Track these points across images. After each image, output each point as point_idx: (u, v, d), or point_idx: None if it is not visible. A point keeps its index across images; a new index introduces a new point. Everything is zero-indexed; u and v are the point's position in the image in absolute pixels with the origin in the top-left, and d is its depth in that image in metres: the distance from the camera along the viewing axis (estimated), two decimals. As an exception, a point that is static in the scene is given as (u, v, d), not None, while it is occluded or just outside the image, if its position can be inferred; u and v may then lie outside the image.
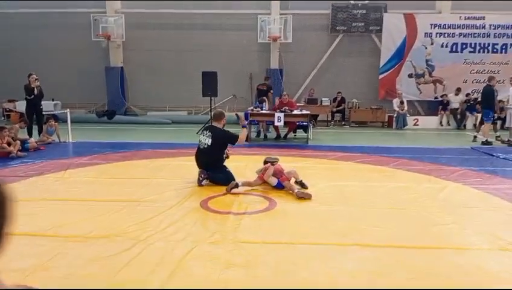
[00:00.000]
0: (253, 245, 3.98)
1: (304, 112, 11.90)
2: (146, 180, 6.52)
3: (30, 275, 3.32)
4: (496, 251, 3.93)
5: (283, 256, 3.74)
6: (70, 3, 16.88)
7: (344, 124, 16.45)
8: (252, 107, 12.45)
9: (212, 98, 12.96)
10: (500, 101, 12.59)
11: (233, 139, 6.46)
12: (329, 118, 16.51)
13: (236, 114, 13.82)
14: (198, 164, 6.45)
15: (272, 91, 14.58)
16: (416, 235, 4.30)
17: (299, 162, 7.99)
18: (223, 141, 6.40)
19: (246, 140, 11.30)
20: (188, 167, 7.53)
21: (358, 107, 16.42)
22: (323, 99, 16.14)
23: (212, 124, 6.82)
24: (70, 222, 4.56)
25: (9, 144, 8.50)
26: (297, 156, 8.65)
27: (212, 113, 6.73)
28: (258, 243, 4.04)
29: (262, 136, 12.19)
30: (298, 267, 3.52)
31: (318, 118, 16.08)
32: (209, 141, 6.30)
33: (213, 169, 6.30)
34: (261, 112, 11.78)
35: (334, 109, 16.52)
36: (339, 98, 16.50)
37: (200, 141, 6.49)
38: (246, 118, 11.80)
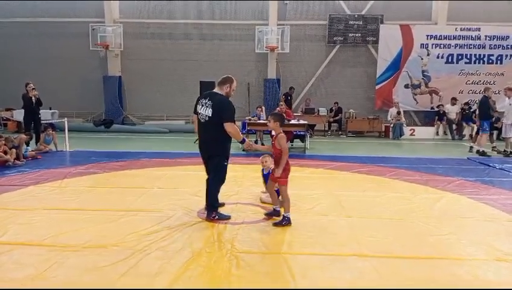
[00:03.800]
0: (251, 255, 3.98)
1: (301, 121, 11.94)
2: (143, 189, 6.51)
3: (27, 285, 3.31)
4: (493, 262, 3.95)
5: (281, 266, 3.74)
6: (69, 13, 16.99)
7: (341, 134, 16.51)
8: (249, 117, 12.49)
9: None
10: (496, 111, 12.65)
11: (227, 115, 4.91)
12: (326, 128, 16.55)
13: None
14: (199, 145, 5.33)
15: (289, 98, 16.20)
16: (413, 245, 4.31)
17: (296, 172, 7.98)
18: (219, 111, 4.91)
19: (244, 149, 11.37)
20: (186, 176, 7.56)
21: (355, 117, 16.49)
22: (320, 109, 16.22)
23: (214, 90, 5.16)
24: (68, 231, 4.54)
25: (5, 153, 8.48)
26: (295, 166, 8.59)
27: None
28: (255, 253, 4.04)
29: (259, 145, 12.18)
30: (296, 277, 3.52)
31: (315, 128, 16.11)
32: (209, 112, 4.94)
33: (211, 155, 5.14)
34: (258, 121, 11.81)
35: (331, 119, 16.58)
36: (335, 108, 16.58)
37: (199, 114, 5.07)
38: (244, 127, 11.86)
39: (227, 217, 5.09)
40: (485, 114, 11.26)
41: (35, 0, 16.97)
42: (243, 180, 7.04)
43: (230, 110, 4.96)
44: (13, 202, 5.77)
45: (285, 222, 4.86)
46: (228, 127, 4.88)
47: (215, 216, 5.05)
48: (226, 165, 5.13)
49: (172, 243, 4.25)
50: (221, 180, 5.13)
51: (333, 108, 16.61)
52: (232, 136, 4.98)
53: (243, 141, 5.11)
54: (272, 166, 5.32)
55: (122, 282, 3.38)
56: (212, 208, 5.09)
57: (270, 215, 5.17)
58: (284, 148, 4.89)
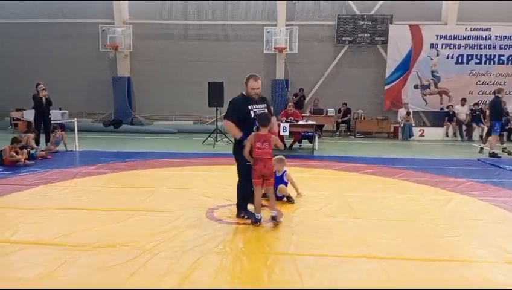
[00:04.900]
0: (259, 255, 3.99)
1: (310, 122, 11.92)
2: (152, 189, 6.54)
3: (37, 284, 3.35)
4: (503, 264, 3.91)
5: (289, 267, 3.74)
6: (79, 14, 17.11)
7: (349, 135, 16.45)
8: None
9: (218, 107, 13.05)
10: (506, 112, 12.51)
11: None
12: (335, 129, 16.50)
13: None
14: None
15: (294, 98, 16.33)
16: (423, 247, 4.28)
17: (305, 173, 8.00)
18: None
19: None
20: (195, 176, 7.59)
21: (364, 118, 16.41)
22: (328, 109, 16.18)
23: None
24: (77, 230, 4.58)
25: (16, 153, 8.58)
26: (303, 167, 8.65)
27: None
28: (264, 254, 4.04)
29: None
30: (304, 278, 3.52)
31: (323, 129, 16.07)
32: None
33: (236, 153, 5.17)
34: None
35: (340, 120, 16.53)
36: (344, 109, 16.51)
37: None
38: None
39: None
40: (496, 115, 11.14)
41: (45, 0, 17.12)
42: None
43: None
44: (24, 201, 5.83)
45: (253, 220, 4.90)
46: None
47: (244, 215, 5.12)
48: (248, 165, 4.96)
49: (181, 243, 4.27)
50: (243, 180, 5.09)
51: (341, 109, 16.55)
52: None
53: (241, 139, 4.94)
54: (281, 168, 5.44)
55: (131, 281, 3.40)
56: (239, 207, 5.19)
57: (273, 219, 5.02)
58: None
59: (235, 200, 5.33)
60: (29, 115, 13.71)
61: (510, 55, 16.18)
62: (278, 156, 5.77)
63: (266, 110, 5.04)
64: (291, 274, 3.60)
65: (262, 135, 4.83)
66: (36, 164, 8.71)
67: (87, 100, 17.57)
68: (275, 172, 5.58)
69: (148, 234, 4.47)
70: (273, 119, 5.17)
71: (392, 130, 16.23)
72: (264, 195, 5.15)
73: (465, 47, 16.28)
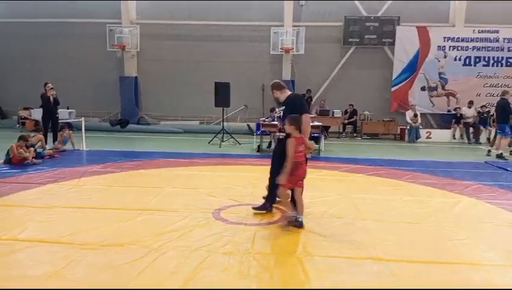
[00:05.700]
0: (266, 256, 3.99)
1: (316, 123, 11.89)
2: (159, 189, 6.56)
3: (45, 282, 3.37)
4: (510, 267, 3.90)
5: (296, 268, 3.74)
6: (87, 14, 17.21)
7: (356, 136, 16.40)
8: (264, 118, 12.50)
9: (225, 108, 13.08)
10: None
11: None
12: (341, 130, 16.47)
13: (248, 125, 14.00)
14: None
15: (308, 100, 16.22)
16: (430, 249, 4.27)
17: (311, 174, 7.91)
18: None
19: (258, 150, 11.40)
20: (201, 176, 7.60)
21: (370, 119, 16.36)
22: (335, 110, 16.14)
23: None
24: (85, 229, 4.61)
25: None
26: (309, 168, 8.54)
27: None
28: (270, 255, 4.04)
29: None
30: (311, 279, 3.52)
31: (329, 130, 16.06)
32: None
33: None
34: (273, 122, 11.79)
35: (346, 121, 16.49)
36: (350, 110, 16.47)
37: None
38: (258, 128, 11.88)
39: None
40: (504, 117, 11.07)
41: (54, 0, 17.22)
42: (258, 181, 7.03)
43: None
44: (32, 199, 5.88)
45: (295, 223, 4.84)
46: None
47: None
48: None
49: (188, 242, 4.28)
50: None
51: (348, 110, 16.50)
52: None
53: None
54: None
55: (138, 280, 3.42)
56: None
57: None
58: (289, 153, 4.75)
59: (242, 201, 5.32)
60: (37, 113, 13.82)
61: (518, 58, 16.08)
62: None
63: (281, 113, 5.16)
64: (298, 275, 3.60)
65: (299, 138, 4.84)
66: (43, 162, 8.76)
67: (94, 99, 17.66)
68: None
69: (155, 234, 4.49)
70: (304, 117, 5.02)
71: (398, 131, 16.17)
72: None
73: (473, 49, 16.19)
